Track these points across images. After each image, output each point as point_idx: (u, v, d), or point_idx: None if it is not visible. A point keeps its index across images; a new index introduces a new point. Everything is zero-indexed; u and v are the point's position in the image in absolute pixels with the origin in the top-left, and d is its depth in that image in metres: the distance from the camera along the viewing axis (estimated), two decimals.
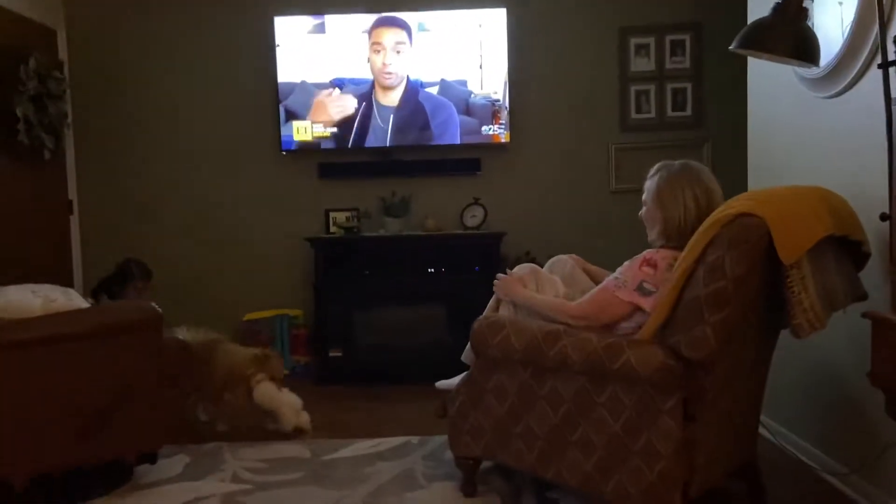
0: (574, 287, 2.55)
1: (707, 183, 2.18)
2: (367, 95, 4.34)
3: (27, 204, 3.96)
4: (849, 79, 2.39)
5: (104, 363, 2.49)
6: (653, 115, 4.46)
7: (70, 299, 2.67)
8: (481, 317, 2.47)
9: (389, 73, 4.31)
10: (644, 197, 2.30)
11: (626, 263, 2.21)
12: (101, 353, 2.48)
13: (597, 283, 2.43)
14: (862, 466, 2.31)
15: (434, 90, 4.33)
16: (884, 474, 2.26)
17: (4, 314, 2.46)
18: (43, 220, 4.14)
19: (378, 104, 4.34)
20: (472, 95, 4.33)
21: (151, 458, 2.81)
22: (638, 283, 2.13)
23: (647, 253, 2.19)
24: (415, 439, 3.11)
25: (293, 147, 4.38)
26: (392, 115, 4.34)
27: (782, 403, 2.85)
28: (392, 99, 4.34)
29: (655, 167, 2.30)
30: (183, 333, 3.22)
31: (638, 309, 2.15)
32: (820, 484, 2.56)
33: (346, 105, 4.33)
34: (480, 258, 4.22)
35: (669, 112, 4.46)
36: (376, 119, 4.34)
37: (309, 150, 4.40)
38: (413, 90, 4.33)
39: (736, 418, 2.26)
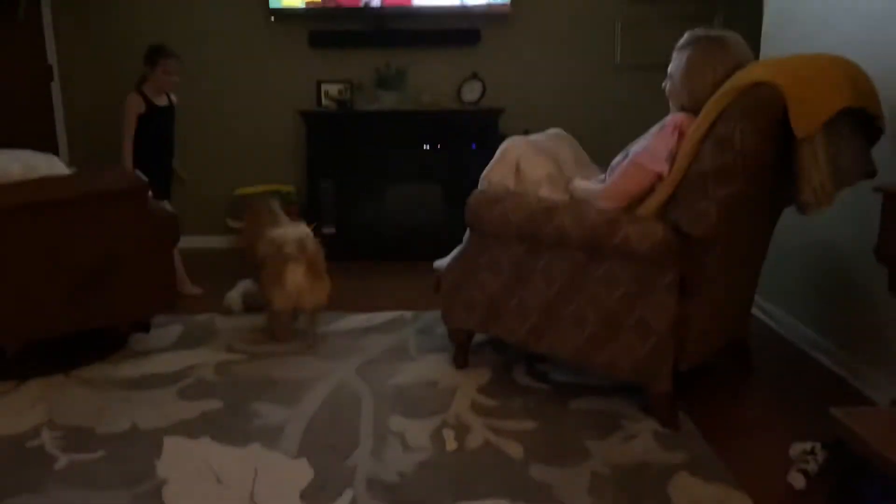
0: (575, 166, 2.48)
1: (740, 60, 2.00)
2: None
3: (3, 69, 3.77)
4: None
5: (87, 230, 2.44)
6: None
7: (52, 166, 2.58)
8: (477, 190, 2.40)
9: None
10: (670, 69, 2.13)
11: (653, 131, 2.06)
12: (85, 220, 2.42)
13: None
14: (852, 343, 2.32)
15: None
16: (873, 351, 2.27)
17: None
18: (22, 86, 3.96)
19: None
20: None
21: (145, 327, 2.83)
22: (669, 151, 1.99)
23: (676, 117, 2.03)
24: (408, 314, 3.12)
25: (282, 13, 4.13)
26: None
27: (777, 282, 2.84)
28: None
29: (687, 37, 2.10)
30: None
31: None
32: (807, 361, 2.59)
33: None
34: (478, 135, 4.09)
35: None
36: None
37: (299, 15, 4.16)
38: None
39: (731, 296, 2.24)
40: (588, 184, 2.23)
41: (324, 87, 4.26)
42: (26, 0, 3.72)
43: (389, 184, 4.19)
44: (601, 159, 2.69)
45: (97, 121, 4.18)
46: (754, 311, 2.61)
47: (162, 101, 3.48)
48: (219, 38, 4.31)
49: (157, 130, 3.47)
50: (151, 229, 2.58)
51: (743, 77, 1.83)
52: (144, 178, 2.57)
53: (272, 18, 4.18)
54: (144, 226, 2.55)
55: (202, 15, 4.28)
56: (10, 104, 3.79)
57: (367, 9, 4.11)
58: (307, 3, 4.10)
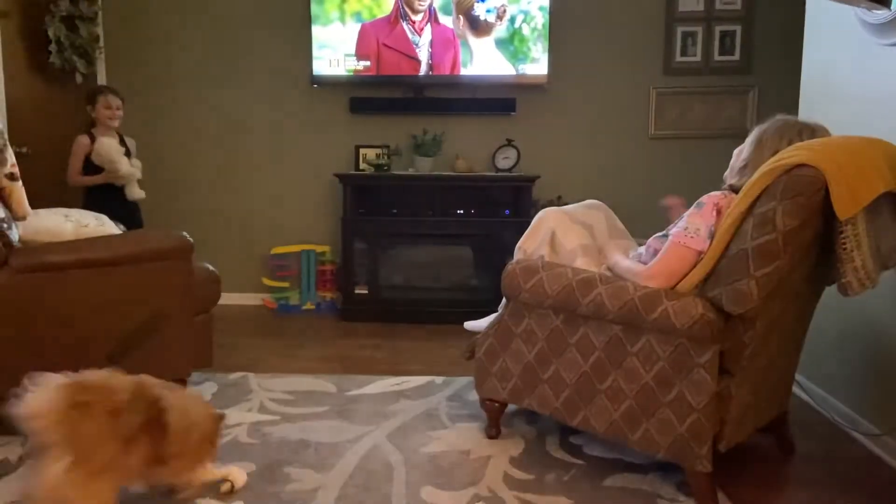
0: (611, 236, 2.49)
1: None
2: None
3: (59, 128, 3.94)
4: None
5: (133, 289, 2.50)
6: (698, 58, 4.28)
7: (102, 225, 2.67)
8: (514, 260, 2.42)
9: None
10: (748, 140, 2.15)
11: (692, 210, 2.07)
12: (131, 279, 2.48)
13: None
14: (893, 426, 2.27)
15: None
16: None
17: (37, 237, 2.47)
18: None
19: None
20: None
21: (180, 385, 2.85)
22: (709, 229, 2.00)
23: (714, 196, 2.05)
24: (439, 379, 3.11)
25: (324, 80, 4.29)
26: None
27: (818, 361, 2.79)
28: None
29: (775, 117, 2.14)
30: None
31: None
32: (851, 443, 2.52)
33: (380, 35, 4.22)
34: (511, 201, 4.15)
35: (716, 56, 4.27)
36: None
37: (340, 83, 4.32)
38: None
39: (771, 374, 2.21)
40: (630, 263, 2.23)
41: (362, 151, 4.37)
42: (84, 65, 3.91)
43: (423, 247, 4.25)
44: (636, 229, 2.71)
45: (145, 181, 4.31)
46: (795, 389, 2.56)
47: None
48: (263, 103, 4.47)
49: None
50: (194, 288, 2.64)
51: (784, 158, 1.85)
52: (190, 238, 2.64)
53: (314, 86, 4.33)
54: (188, 285, 2.61)
55: (248, 80, 4.46)
56: (63, 162, 3.94)
57: (407, 77, 4.25)
58: (349, 71, 4.25)
